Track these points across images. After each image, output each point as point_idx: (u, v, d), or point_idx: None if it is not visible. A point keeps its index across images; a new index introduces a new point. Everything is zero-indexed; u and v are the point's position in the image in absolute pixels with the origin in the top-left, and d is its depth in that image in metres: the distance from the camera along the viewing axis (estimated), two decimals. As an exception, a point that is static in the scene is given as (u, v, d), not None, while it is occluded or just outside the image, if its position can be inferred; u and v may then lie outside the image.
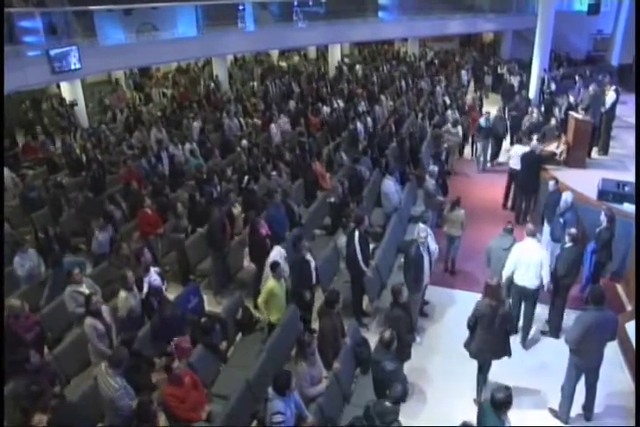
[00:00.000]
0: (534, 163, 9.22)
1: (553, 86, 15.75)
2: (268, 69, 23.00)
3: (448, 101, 15.23)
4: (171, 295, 6.57)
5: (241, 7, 22.38)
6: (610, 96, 10.73)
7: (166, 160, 10.65)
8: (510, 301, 6.28)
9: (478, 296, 6.26)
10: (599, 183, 8.50)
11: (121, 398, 4.67)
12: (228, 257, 7.61)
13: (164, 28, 20.28)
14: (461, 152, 13.13)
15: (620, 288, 7.57)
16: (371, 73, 20.72)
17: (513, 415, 4.14)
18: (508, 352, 5.37)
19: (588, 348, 5.04)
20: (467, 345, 5.47)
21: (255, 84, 19.79)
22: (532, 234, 6.22)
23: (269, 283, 5.79)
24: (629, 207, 7.91)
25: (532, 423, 5.28)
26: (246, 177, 9.28)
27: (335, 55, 23.14)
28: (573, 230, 6.28)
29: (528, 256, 6.08)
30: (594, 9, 19.11)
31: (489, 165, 12.09)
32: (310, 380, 4.69)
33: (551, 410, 5.52)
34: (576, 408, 5.39)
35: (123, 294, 5.95)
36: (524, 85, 16.93)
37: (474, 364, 6.06)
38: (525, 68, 19.07)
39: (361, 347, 5.56)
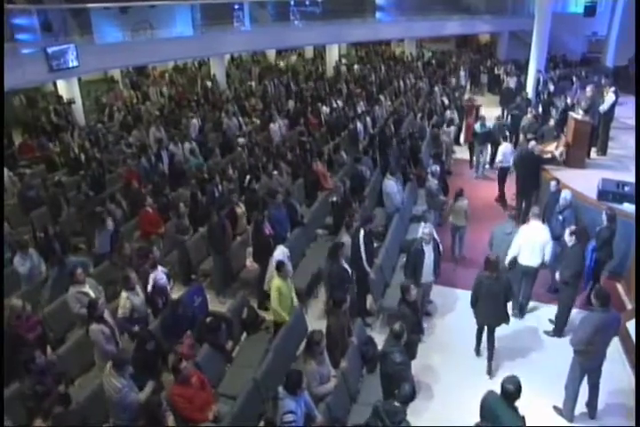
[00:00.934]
0: (532, 163, 9.28)
1: (551, 87, 15.81)
2: (267, 69, 22.96)
3: (446, 102, 15.29)
4: (173, 295, 6.53)
5: (237, 6, 22.42)
6: (609, 97, 10.78)
7: (166, 159, 10.60)
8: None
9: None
10: (599, 183, 8.54)
11: (126, 398, 4.65)
12: (231, 257, 7.58)
13: (160, 27, 20.25)
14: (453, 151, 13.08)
15: (619, 287, 7.63)
16: (369, 73, 20.76)
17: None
18: (506, 320, 5.94)
19: (593, 348, 5.06)
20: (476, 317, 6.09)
21: (253, 83, 19.75)
22: (537, 216, 6.66)
23: (275, 282, 5.78)
24: (629, 207, 7.97)
25: (536, 422, 5.29)
26: (248, 176, 9.26)
27: (333, 55, 23.16)
28: (573, 227, 6.34)
29: (533, 237, 6.49)
30: (590, 10, 19.24)
31: (487, 167, 12.03)
32: (319, 379, 4.68)
33: (555, 408, 5.54)
34: (579, 406, 5.42)
35: (124, 294, 5.92)
36: (523, 86, 17.02)
37: (478, 361, 6.18)
38: (522, 68, 19.23)
39: (367, 346, 5.57)
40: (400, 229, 8.30)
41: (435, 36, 28.07)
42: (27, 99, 17.84)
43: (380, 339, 5.82)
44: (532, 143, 9.38)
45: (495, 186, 10.46)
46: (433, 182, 8.32)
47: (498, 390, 4.23)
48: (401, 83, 18.92)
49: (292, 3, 25.45)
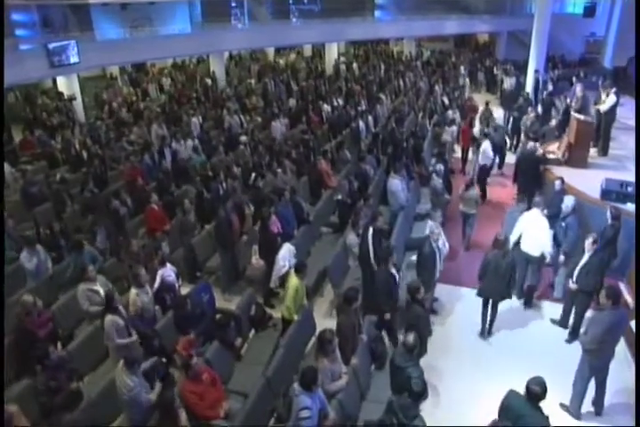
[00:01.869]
0: (533, 163, 9.35)
1: (550, 87, 15.89)
2: (266, 67, 22.93)
3: (447, 101, 15.34)
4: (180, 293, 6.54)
5: (235, 4, 22.39)
6: (610, 98, 10.85)
7: (169, 157, 10.58)
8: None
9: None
10: (602, 183, 8.59)
11: (138, 396, 4.66)
12: (237, 254, 7.59)
13: (160, 24, 20.19)
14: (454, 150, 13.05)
15: (623, 286, 7.68)
16: (369, 72, 20.79)
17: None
18: (509, 295, 6.37)
19: (603, 347, 5.11)
20: (479, 291, 6.50)
21: (252, 81, 19.72)
22: (539, 205, 6.96)
23: (294, 281, 5.79)
24: (632, 207, 8.03)
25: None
26: (253, 174, 9.26)
27: (332, 53, 23.15)
28: (594, 236, 6.19)
29: (532, 225, 6.79)
30: (589, 11, 19.36)
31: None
32: (331, 376, 4.71)
33: (562, 405, 5.58)
34: (585, 404, 5.47)
35: (133, 290, 5.92)
36: (522, 86, 17.11)
37: (484, 358, 6.23)
38: (521, 69, 19.33)
39: (376, 343, 5.59)
40: (405, 227, 8.34)
41: (433, 36, 28.09)
42: (24, 95, 17.74)
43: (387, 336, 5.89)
44: (531, 144, 9.44)
45: (494, 187, 10.51)
46: (438, 181, 8.36)
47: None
48: (400, 82, 18.94)
49: (291, 1, 25.44)
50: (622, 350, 6.10)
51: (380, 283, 5.87)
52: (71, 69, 13.51)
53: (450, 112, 13.17)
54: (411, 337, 4.62)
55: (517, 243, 7.03)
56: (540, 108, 13.82)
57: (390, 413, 4.03)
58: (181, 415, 4.55)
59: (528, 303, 7.18)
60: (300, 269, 5.85)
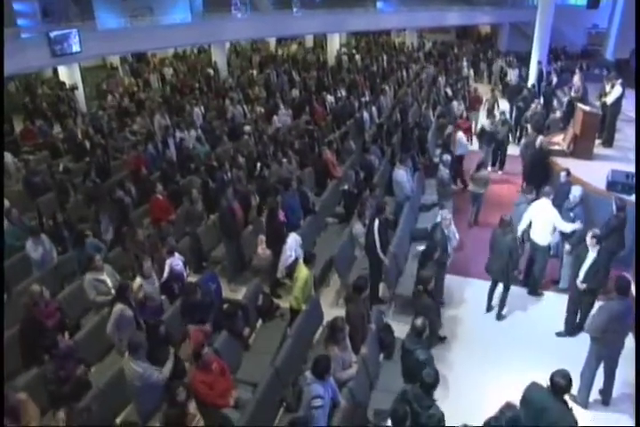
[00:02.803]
0: (540, 157, 9.32)
1: (555, 79, 15.81)
2: (268, 57, 22.77)
3: (450, 92, 15.26)
4: (187, 282, 6.52)
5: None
6: (616, 90, 10.80)
7: (173, 146, 10.52)
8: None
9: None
10: (608, 174, 8.57)
11: (149, 378, 4.66)
12: (243, 244, 7.57)
13: (160, 13, 19.99)
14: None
15: (629, 277, 7.67)
16: (371, 62, 20.68)
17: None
18: (507, 276, 6.42)
19: (610, 337, 5.10)
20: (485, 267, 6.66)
21: (254, 72, 19.59)
22: (547, 194, 7.00)
23: (303, 271, 5.76)
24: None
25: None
26: (258, 164, 9.22)
27: (334, 44, 23.00)
28: (596, 231, 6.06)
29: (541, 214, 6.83)
30: (593, 2, 19.20)
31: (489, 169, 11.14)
32: (342, 364, 4.71)
33: (569, 395, 5.59)
34: (593, 394, 5.48)
35: (138, 280, 5.91)
36: (524, 78, 17.04)
37: (493, 349, 6.22)
38: (523, 60, 19.25)
39: (384, 332, 5.59)
40: (410, 217, 8.32)
41: (435, 27, 27.95)
42: (24, 85, 17.60)
43: (393, 326, 5.88)
44: (541, 138, 9.40)
45: (499, 185, 10.57)
46: (445, 171, 8.32)
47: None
48: (404, 73, 18.84)
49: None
50: (628, 339, 6.12)
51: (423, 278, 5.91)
52: (73, 59, 13.40)
53: (455, 103, 13.07)
54: (419, 320, 4.68)
55: (525, 232, 7.07)
56: (542, 100, 13.76)
57: (404, 402, 4.03)
58: (190, 404, 4.54)
59: (533, 292, 7.19)
60: (309, 259, 5.83)
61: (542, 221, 6.84)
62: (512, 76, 17.84)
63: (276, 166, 9.25)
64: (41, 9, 14.62)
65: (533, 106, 12.12)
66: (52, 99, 15.11)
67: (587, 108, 10.17)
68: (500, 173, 11.36)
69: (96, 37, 13.75)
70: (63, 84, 15.58)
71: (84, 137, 11.53)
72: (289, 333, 5.67)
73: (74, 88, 14.89)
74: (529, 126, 11.49)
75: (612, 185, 8.41)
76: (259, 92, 15.99)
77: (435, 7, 24.56)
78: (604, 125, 10.92)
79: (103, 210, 7.95)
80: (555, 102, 14.00)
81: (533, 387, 4.13)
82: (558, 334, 6.45)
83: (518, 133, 13.15)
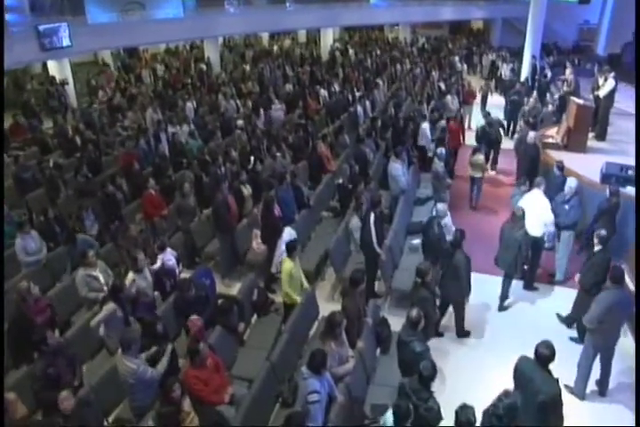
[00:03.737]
0: (533, 151, 9.31)
1: (549, 73, 15.83)
2: (261, 52, 22.63)
3: (443, 87, 15.20)
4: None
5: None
6: (609, 83, 10.80)
7: (165, 141, 10.41)
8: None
9: (494, 279, 6.95)
10: (603, 167, 8.57)
11: (144, 375, 4.58)
12: (237, 239, 7.49)
13: (152, 8, 19.73)
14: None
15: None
16: (365, 57, 20.60)
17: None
18: (514, 269, 6.50)
19: (607, 327, 5.09)
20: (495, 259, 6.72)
21: (247, 67, 19.44)
22: (539, 185, 7.05)
23: (287, 265, 5.70)
24: (632, 190, 8.01)
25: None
26: (252, 158, 9.13)
27: (327, 39, 22.89)
28: (603, 232, 5.91)
29: (534, 205, 6.80)
30: (585, -2, 19.16)
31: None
32: (338, 359, 4.65)
33: (566, 387, 5.56)
34: (589, 384, 5.47)
35: (131, 275, 5.82)
36: (517, 72, 17.06)
37: (490, 341, 6.25)
38: (515, 55, 19.28)
39: (381, 326, 5.54)
40: (406, 211, 8.28)
41: (429, 22, 27.90)
42: (13, 80, 17.35)
43: (390, 320, 5.82)
44: (533, 133, 9.39)
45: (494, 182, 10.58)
46: (439, 165, 8.28)
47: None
48: (398, 67, 18.79)
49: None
50: (624, 330, 6.10)
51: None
52: (63, 53, 13.21)
53: (449, 97, 13.01)
54: (414, 311, 4.63)
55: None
56: (535, 94, 13.75)
57: (403, 396, 3.99)
58: (184, 402, 4.47)
59: (528, 286, 7.17)
60: (290, 249, 5.75)
61: (535, 211, 6.79)
62: (505, 70, 17.89)
63: (269, 160, 9.17)
64: (29, 3, 14.37)
65: (532, 100, 12.11)
66: (42, 94, 14.88)
67: (580, 101, 10.17)
68: (493, 173, 11.00)
69: (87, 32, 13.59)
70: (53, 78, 15.35)
71: (74, 132, 11.37)
72: (284, 328, 5.60)
73: (64, 83, 14.68)
74: (521, 122, 11.49)
75: (606, 177, 8.40)
76: (252, 87, 15.86)
77: (428, 2, 24.51)
78: (596, 119, 10.92)
79: (91, 205, 7.83)
80: (547, 96, 14.01)
81: (522, 359, 4.28)
82: (572, 339, 6.31)
83: (512, 128, 13.14)
